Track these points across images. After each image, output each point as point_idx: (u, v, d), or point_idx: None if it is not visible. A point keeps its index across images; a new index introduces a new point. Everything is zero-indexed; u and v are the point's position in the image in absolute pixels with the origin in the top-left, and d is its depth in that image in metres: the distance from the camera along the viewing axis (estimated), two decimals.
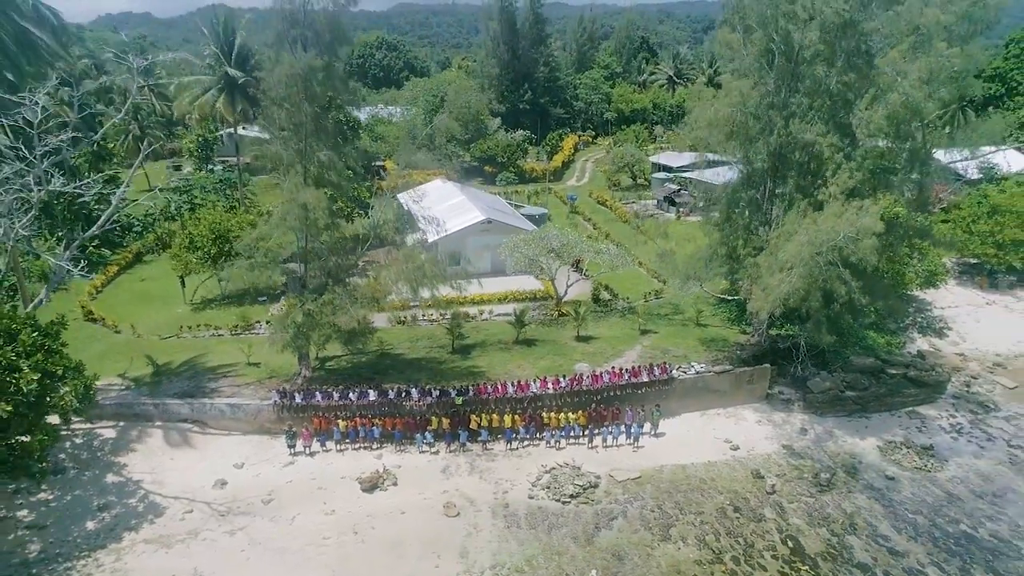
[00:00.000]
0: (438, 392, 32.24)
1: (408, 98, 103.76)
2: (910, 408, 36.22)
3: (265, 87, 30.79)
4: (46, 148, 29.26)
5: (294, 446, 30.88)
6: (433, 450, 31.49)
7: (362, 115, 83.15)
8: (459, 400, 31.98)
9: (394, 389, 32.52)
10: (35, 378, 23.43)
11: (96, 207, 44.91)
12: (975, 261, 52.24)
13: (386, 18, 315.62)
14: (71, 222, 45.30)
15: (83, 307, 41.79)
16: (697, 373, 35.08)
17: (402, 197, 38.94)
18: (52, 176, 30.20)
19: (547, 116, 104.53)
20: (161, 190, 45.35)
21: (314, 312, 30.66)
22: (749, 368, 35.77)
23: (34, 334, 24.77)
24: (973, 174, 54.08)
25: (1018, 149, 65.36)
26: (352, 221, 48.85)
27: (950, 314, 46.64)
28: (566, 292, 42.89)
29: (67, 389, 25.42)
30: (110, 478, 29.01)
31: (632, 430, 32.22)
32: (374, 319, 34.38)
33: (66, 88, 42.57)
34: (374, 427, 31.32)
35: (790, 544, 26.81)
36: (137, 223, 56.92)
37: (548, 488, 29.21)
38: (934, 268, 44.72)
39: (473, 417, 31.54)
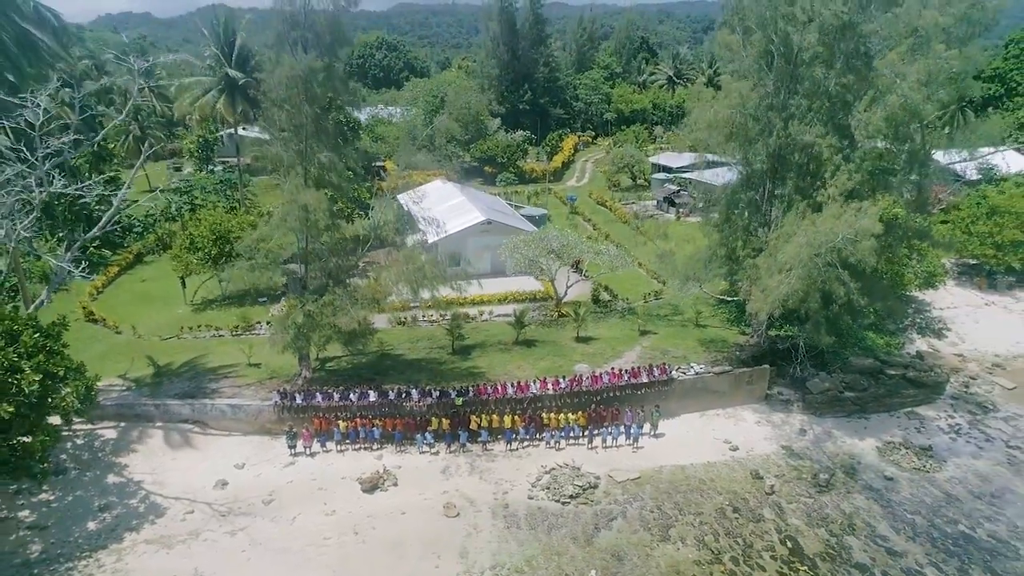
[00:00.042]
0: (438, 393, 32.32)
1: (408, 98, 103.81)
2: (909, 409, 36.31)
3: (265, 88, 30.84)
4: (48, 150, 29.34)
5: (295, 447, 30.97)
6: (433, 451, 31.58)
7: (362, 116, 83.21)
8: (459, 401, 32.07)
9: (394, 390, 32.61)
10: (37, 379, 23.51)
11: (97, 208, 44.99)
12: (974, 262, 52.31)
13: (386, 18, 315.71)
14: (72, 223, 45.36)
15: (84, 308, 41.88)
16: (696, 374, 35.17)
17: (402, 198, 39.02)
18: (53, 178, 30.28)
19: (547, 116, 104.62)
20: (162, 191, 45.42)
21: (314, 313, 30.75)
22: (748, 369, 35.86)
23: (36, 335, 24.84)
24: (972, 175, 54.26)
25: (1017, 150, 65.40)
26: (352, 222, 48.97)
27: (949, 315, 46.73)
28: (566, 293, 42.98)
29: (68, 390, 25.50)
30: (111, 479, 29.11)
31: (632, 431, 32.31)
32: (374, 320, 34.46)
33: (67, 89, 42.66)
34: (374, 428, 31.40)
35: (789, 544, 26.90)
36: (138, 224, 57.00)
37: (548, 489, 29.30)
38: (933, 269, 44.80)
39: (473, 418, 31.62)
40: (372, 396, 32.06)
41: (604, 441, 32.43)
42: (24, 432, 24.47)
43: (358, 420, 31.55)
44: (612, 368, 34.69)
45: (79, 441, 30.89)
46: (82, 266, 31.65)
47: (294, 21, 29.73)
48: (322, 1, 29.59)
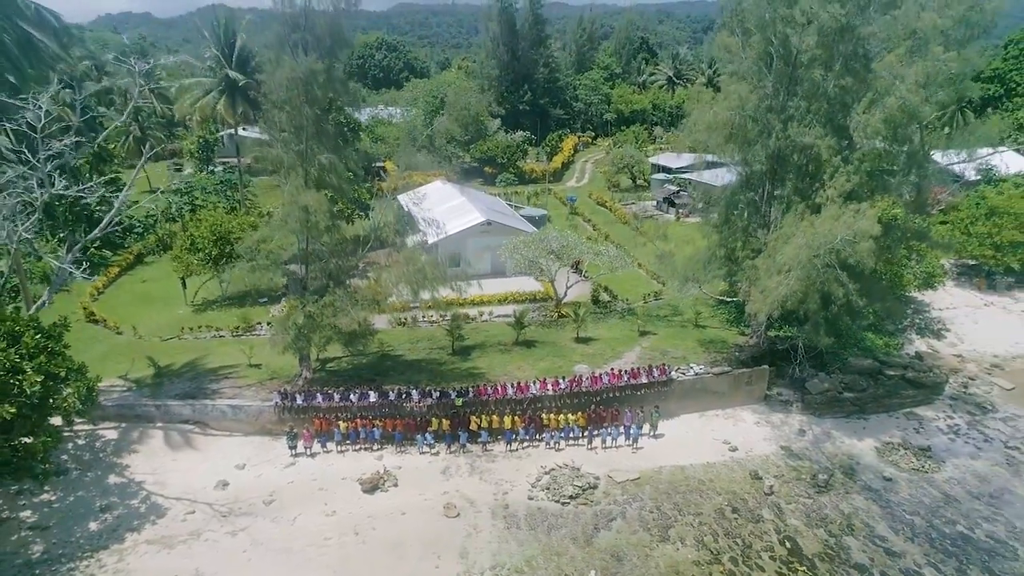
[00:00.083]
0: (438, 393, 32.41)
1: (408, 99, 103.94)
2: (908, 409, 36.40)
3: (266, 90, 30.92)
4: (50, 152, 29.42)
5: (295, 447, 31.05)
6: (433, 451, 31.67)
7: (362, 117, 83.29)
8: (459, 401, 32.16)
9: (394, 390, 32.70)
10: (38, 380, 23.57)
11: (98, 208, 45.05)
12: (973, 262, 52.41)
13: (386, 18, 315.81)
14: (73, 224, 45.38)
15: (85, 308, 41.98)
16: (696, 374, 35.26)
17: (402, 199, 39.11)
18: (54, 179, 30.36)
19: (547, 117, 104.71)
20: (163, 192, 45.55)
21: (315, 314, 30.85)
22: (748, 369, 35.96)
23: (37, 336, 24.90)
24: (971, 176, 54.32)
25: (1017, 151, 65.48)
26: (352, 222, 49.14)
27: (948, 315, 46.84)
28: (566, 293, 43.07)
29: (70, 391, 25.61)
30: (112, 479, 29.20)
31: (631, 431, 32.40)
32: (375, 321, 34.53)
33: (67, 90, 42.75)
34: (375, 428, 31.49)
35: (788, 545, 27.00)
36: (138, 224, 57.04)
37: (547, 489, 29.40)
38: (932, 270, 44.92)
39: (473, 418, 31.70)
40: (372, 397, 32.14)
41: (604, 442, 32.52)
42: (26, 433, 24.55)
43: (358, 421, 31.64)
44: (612, 369, 34.78)
45: (80, 442, 30.99)
46: (83, 267, 31.73)
47: (294, 24, 29.82)
48: (322, 2, 29.73)
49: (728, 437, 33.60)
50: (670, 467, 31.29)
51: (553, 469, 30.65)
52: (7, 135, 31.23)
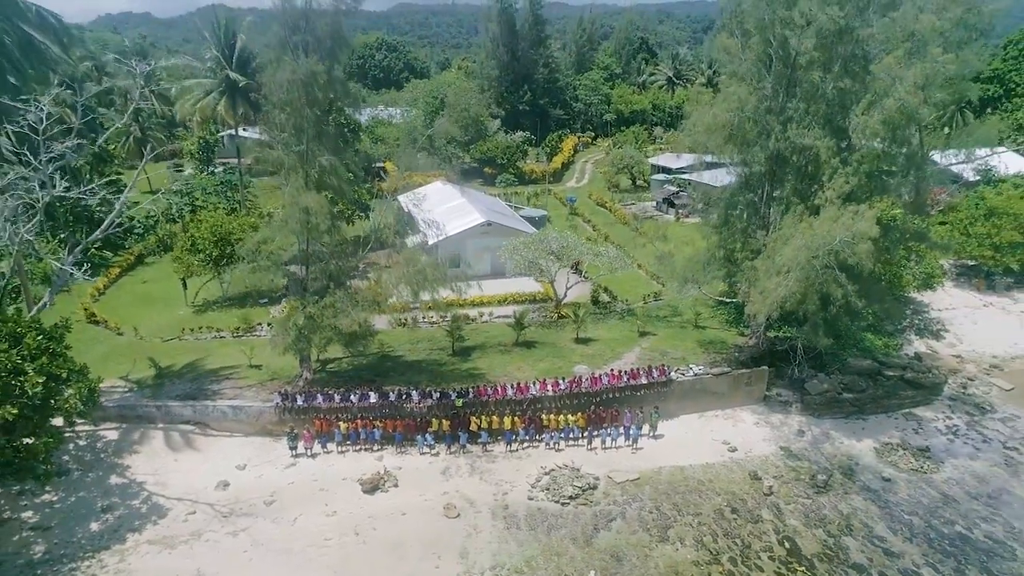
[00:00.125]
0: (438, 394, 32.51)
1: (408, 100, 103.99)
2: (907, 410, 36.49)
3: (266, 91, 31.00)
4: (51, 154, 29.50)
5: (296, 448, 31.14)
6: (433, 452, 31.76)
7: (362, 117, 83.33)
8: (459, 402, 32.25)
9: (395, 391, 32.79)
10: (40, 381, 23.70)
11: (98, 209, 45.18)
12: (972, 263, 52.47)
13: (386, 18, 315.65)
14: (73, 225, 45.55)
15: (85, 309, 42.06)
16: (695, 375, 35.34)
17: (402, 199, 39.22)
18: (55, 180, 30.45)
19: (547, 117, 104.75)
20: (164, 193, 45.60)
21: (315, 315, 30.94)
22: (747, 370, 36.05)
23: (39, 338, 25.02)
24: (971, 176, 54.41)
25: (1017, 151, 65.55)
26: (352, 223, 49.23)
27: (947, 316, 46.91)
28: (565, 294, 43.16)
29: (71, 392, 25.74)
30: (113, 480, 29.31)
31: (631, 432, 32.48)
32: (375, 322, 34.62)
33: (68, 91, 42.81)
34: (375, 429, 31.58)
35: (787, 545, 27.09)
36: (139, 225, 57.18)
37: (547, 489, 29.49)
38: (931, 270, 44.99)
39: (473, 419, 31.79)
40: (373, 397, 32.23)
41: (603, 442, 32.60)
42: (28, 434, 24.66)
43: (359, 421, 31.73)
44: (611, 369, 34.86)
45: (81, 442, 31.09)
46: (84, 268, 31.81)
47: (295, 26, 29.89)
48: (323, 2, 29.80)
49: (727, 438, 33.69)
50: (669, 467, 31.38)
51: (553, 470, 30.74)
52: (8, 136, 31.30)
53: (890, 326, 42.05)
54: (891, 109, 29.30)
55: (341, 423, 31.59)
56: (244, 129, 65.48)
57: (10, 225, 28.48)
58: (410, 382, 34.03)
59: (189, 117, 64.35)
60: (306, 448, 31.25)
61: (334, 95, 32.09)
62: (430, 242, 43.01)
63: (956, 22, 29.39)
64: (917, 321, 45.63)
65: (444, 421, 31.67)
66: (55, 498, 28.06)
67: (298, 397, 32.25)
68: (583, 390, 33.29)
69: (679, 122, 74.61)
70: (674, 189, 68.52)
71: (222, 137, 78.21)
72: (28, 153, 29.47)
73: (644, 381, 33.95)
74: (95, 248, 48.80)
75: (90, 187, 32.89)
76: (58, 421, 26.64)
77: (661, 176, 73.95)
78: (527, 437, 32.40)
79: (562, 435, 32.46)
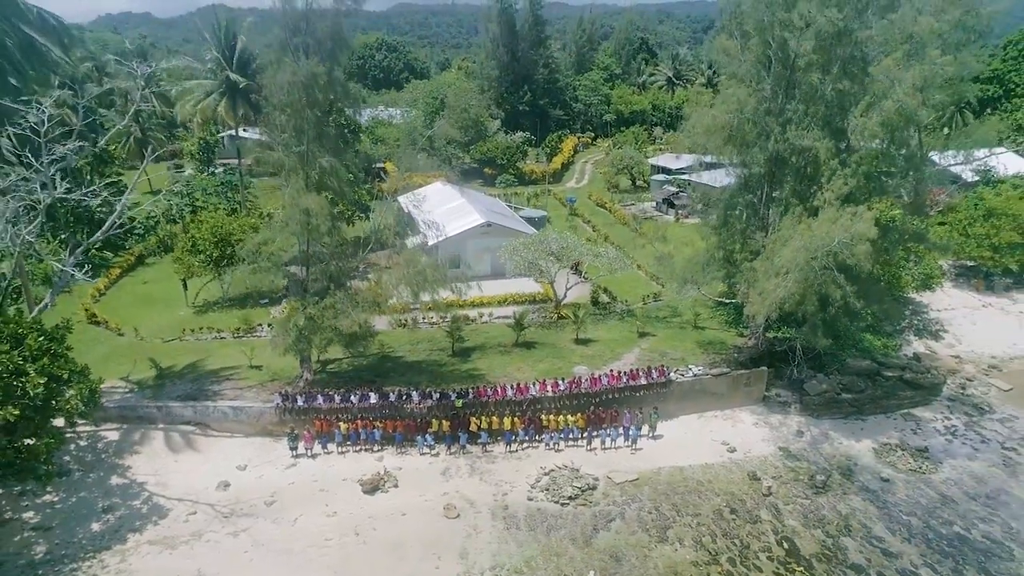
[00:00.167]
0: (438, 395, 32.59)
1: (408, 100, 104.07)
2: (905, 410, 36.58)
3: (267, 93, 31.11)
4: (53, 156, 29.59)
5: (296, 448, 31.22)
6: (433, 452, 31.84)
7: (362, 118, 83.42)
8: (459, 403, 32.33)
9: (395, 392, 32.88)
10: (42, 382, 23.78)
11: (99, 210, 45.24)
12: (971, 264, 52.51)
13: (386, 18, 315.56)
14: (74, 226, 45.58)
15: (86, 310, 42.16)
16: (695, 376, 35.42)
17: (402, 200, 39.29)
18: (57, 182, 30.53)
19: (546, 118, 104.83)
20: (164, 193, 45.78)
21: (315, 316, 31.02)
22: (746, 371, 36.13)
23: (40, 338, 25.11)
24: (970, 177, 54.51)
25: (1016, 152, 65.59)
26: (353, 224, 49.31)
27: (946, 317, 46.97)
28: (565, 295, 43.23)
29: (72, 393, 25.82)
30: (114, 480, 29.39)
31: (630, 432, 32.56)
32: (375, 322, 34.70)
33: (69, 92, 42.89)
34: (375, 429, 31.67)
35: (785, 545, 27.17)
36: (139, 226, 57.22)
37: (547, 490, 29.57)
38: (930, 271, 45.08)
39: (473, 419, 31.88)
40: (373, 398, 32.32)
41: (603, 443, 32.68)
42: (29, 434, 24.74)
43: (359, 422, 31.81)
44: (611, 370, 34.93)
45: (82, 443, 31.17)
46: (84, 269, 31.90)
47: (295, 27, 29.97)
48: (323, 4, 29.88)
49: (727, 438, 33.77)
50: (669, 468, 31.46)
51: (552, 470, 30.82)
52: (10, 138, 31.40)
53: (889, 327, 42.09)
54: (890, 111, 29.37)
55: (341, 424, 31.67)
56: (244, 130, 65.58)
57: (11, 226, 28.57)
58: (410, 383, 34.11)
59: (190, 118, 64.44)
60: (306, 449, 31.34)
61: (334, 96, 32.20)
62: (430, 243, 43.08)
63: (954, 24, 29.49)
64: (916, 322, 45.69)
65: (444, 422, 31.76)
66: (56, 498, 28.15)
67: (298, 398, 32.33)
68: (583, 391, 33.36)
69: (679, 123, 74.86)
70: (674, 190, 68.57)
71: (222, 138, 78.29)
72: (29, 155, 29.53)
73: (643, 382, 34.02)
74: (96, 249, 48.86)
75: (91, 188, 32.94)
76: (59, 422, 26.74)
77: (661, 177, 74.00)
78: (527, 438, 32.48)
79: (562, 436, 32.55)
